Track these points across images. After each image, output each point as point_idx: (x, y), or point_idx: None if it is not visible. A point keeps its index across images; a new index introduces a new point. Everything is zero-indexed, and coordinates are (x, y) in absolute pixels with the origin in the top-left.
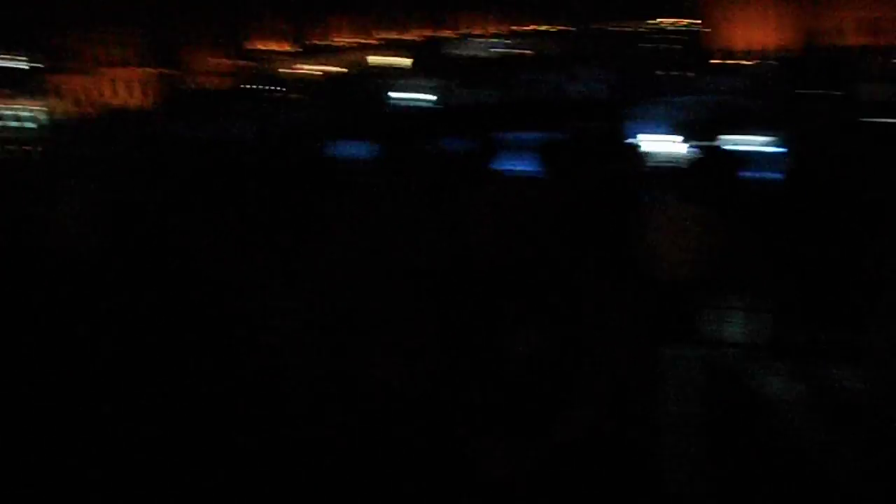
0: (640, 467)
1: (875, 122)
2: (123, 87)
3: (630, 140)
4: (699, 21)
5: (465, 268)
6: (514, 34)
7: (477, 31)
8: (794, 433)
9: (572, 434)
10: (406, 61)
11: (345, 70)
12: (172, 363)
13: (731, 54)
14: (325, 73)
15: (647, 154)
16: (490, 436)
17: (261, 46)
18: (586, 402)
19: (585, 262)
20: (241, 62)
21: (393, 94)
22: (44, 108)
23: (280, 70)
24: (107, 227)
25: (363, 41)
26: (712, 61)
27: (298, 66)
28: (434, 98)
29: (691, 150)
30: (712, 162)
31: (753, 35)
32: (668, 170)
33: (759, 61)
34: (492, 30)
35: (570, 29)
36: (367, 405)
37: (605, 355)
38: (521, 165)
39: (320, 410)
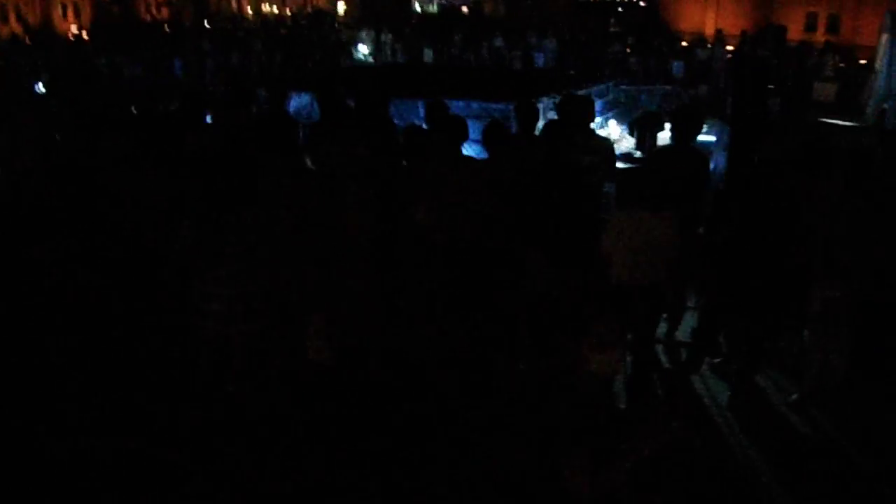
0: None
1: (824, 122)
2: (62, 7)
3: (595, 129)
4: None
5: (407, 247)
6: None
7: None
8: (718, 433)
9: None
10: (341, 8)
11: (289, 13)
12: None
13: (682, 36)
14: (272, 15)
15: (610, 147)
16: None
17: None
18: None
19: (530, 256)
20: None
21: (338, 45)
22: None
23: (225, 6)
24: (36, 167)
25: None
26: (663, 42)
27: (241, 4)
28: (369, 52)
29: (645, 146)
30: (675, 167)
31: (707, 18)
32: (624, 167)
33: (709, 47)
34: None
35: None
36: (300, 384)
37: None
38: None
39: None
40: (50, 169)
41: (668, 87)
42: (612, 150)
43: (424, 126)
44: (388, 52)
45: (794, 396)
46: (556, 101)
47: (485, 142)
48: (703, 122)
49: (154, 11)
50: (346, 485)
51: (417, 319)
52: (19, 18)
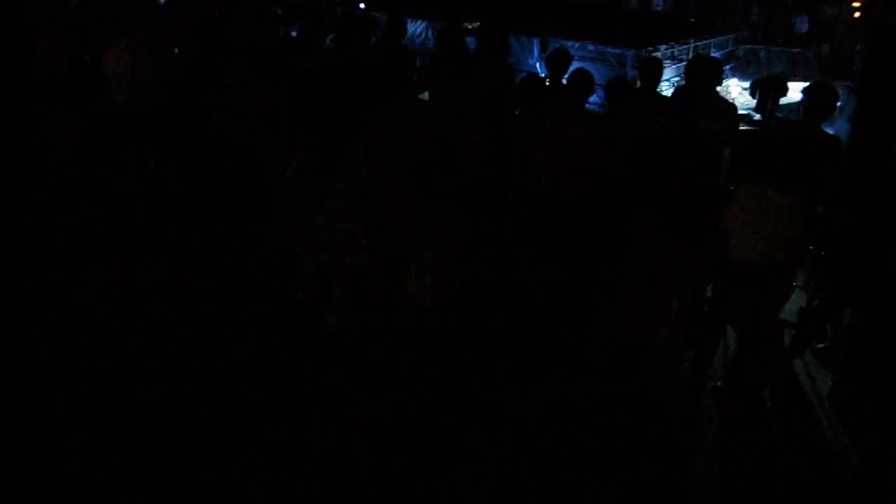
0: None
1: None
2: None
3: (720, 92)
4: None
5: (519, 195)
6: None
7: None
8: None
9: None
10: None
11: None
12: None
13: None
14: None
15: (735, 112)
16: None
17: None
18: None
19: (639, 220)
20: None
21: None
22: None
23: None
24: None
25: None
26: None
27: None
28: None
29: (766, 110)
30: (807, 148)
31: None
32: (744, 129)
33: (835, 7)
34: None
35: None
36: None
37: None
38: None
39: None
40: (168, 84)
41: (795, 50)
42: (737, 115)
43: (538, 65)
44: None
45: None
46: (675, 50)
47: (608, 97)
48: (838, 102)
49: None
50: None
51: (519, 269)
52: None
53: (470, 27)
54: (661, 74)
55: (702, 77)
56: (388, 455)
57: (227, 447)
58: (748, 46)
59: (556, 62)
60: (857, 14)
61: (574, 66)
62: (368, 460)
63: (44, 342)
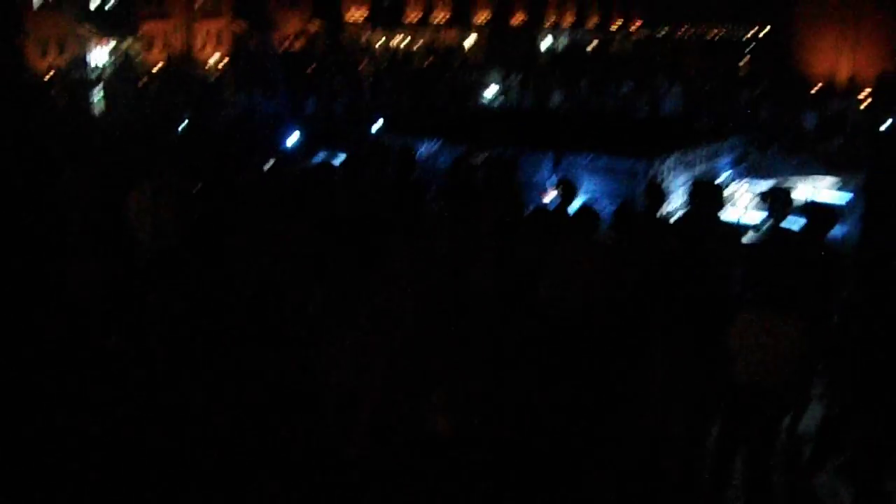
0: None
1: None
2: (205, 37)
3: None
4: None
5: (531, 323)
6: (580, 29)
7: (550, 22)
8: None
9: None
10: (470, 41)
11: (414, 48)
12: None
13: (812, 80)
14: (398, 50)
15: (739, 234)
16: None
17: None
18: None
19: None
20: (320, 27)
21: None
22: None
23: (352, 40)
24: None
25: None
26: (795, 91)
27: (372, 37)
28: (495, 94)
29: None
30: (807, 265)
31: (841, 58)
32: (752, 240)
33: (842, 100)
34: (564, 21)
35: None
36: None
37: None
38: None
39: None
40: (188, 222)
41: (801, 156)
42: (740, 236)
43: (552, 180)
44: (515, 95)
45: None
46: (686, 156)
47: (615, 225)
48: (838, 221)
49: (288, 44)
50: None
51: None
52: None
53: (479, 161)
54: (663, 199)
55: (705, 202)
56: None
57: None
58: (756, 153)
59: (565, 191)
60: (865, 102)
61: (586, 179)
62: None
63: None
